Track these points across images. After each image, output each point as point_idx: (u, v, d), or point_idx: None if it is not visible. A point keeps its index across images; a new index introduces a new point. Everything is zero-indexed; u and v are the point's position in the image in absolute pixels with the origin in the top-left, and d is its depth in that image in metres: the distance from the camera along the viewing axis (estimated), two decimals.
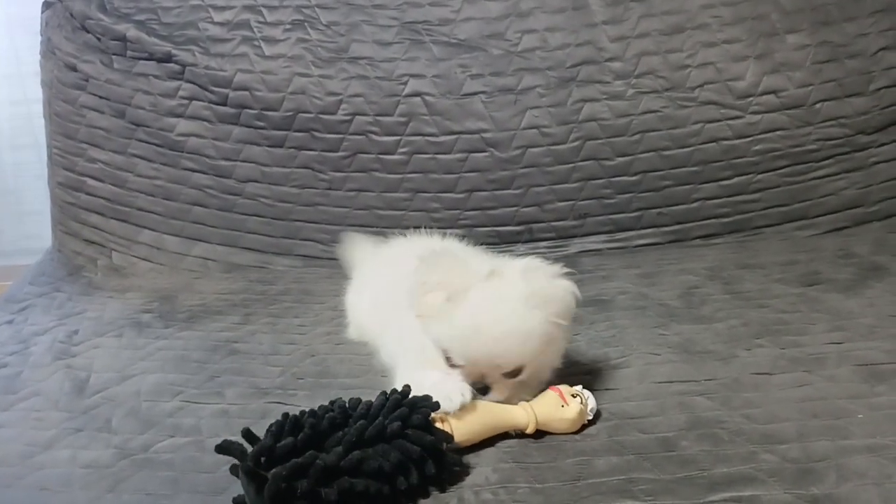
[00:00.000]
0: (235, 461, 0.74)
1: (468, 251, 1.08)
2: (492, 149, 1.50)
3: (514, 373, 0.86)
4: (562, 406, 0.86)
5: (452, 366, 0.87)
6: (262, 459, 0.73)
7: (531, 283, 0.87)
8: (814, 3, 1.48)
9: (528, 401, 0.88)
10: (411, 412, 0.80)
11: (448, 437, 0.81)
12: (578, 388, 0.90)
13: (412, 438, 0.78)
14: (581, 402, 0.87)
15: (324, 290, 1.37)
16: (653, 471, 0.79)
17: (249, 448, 0.76)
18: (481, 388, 0.86)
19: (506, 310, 0.84)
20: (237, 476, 0.74)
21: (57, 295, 1.41)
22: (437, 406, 0.83)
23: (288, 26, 1.54)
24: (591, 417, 0.88)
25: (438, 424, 0.82)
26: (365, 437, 0.77)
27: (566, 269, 0.90)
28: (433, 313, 0.87)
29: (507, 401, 0.87)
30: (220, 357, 1.14)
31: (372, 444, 0.77)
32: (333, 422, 0.79)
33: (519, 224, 1.52)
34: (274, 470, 0.72)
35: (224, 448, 0.75)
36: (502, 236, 1.52)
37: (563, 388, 0.89)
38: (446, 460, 0.80)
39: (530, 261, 0.92)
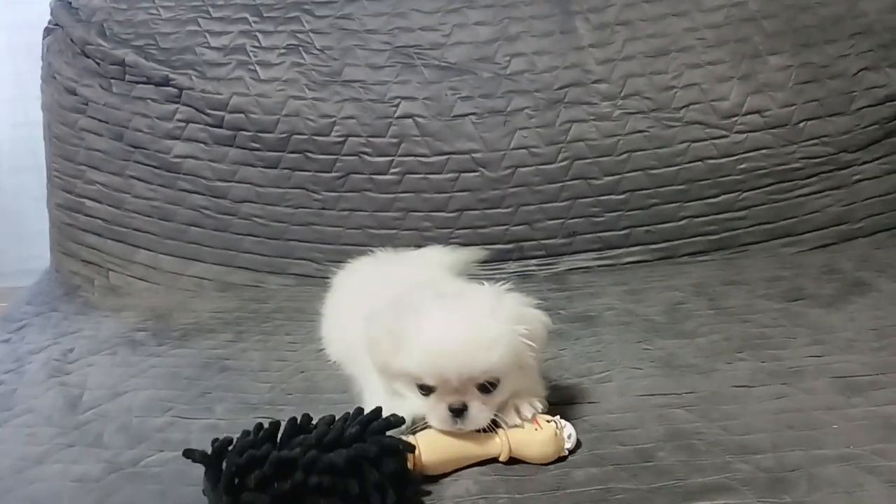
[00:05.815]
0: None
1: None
2: (482, 169, 1.52)
3: (489, 386, 0.85)
4: (535, 430, 0.86)
5: (425, 394, 0.86)
6: (216, 445, 0.79)
7: (499, 302, 0.87)
8: (795, 25, 1.51)
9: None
10: (372, 420, 0.82)
11: (409, 446, 0.82)
12: (557, 417, 0.89)
13: (371, 442, 0.80)
14: (556, 427, 0.86)
15: (316, 309, 1.37)
16: (630, 481, 0.81)
17: None
18: (458, 410, 0.84)
19: (467, 318, 0.85)
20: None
21: (53, 314, 1.43)
22: (402, 421, 0.83)
23: (282, 51, 1.58)
24: (570, 447, 0.87)
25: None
26: (324, 442, 0.79)
27: (536, 301, 0.90)
28: (389, 354, 0.86)
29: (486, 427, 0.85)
30: (211, 374, 1.16)
31: (331, 448, 0.79)
32: (294, 426, 0.82)
33: (509, 242, 1.54)
34: (227, 458, 0.76)
35: (190, 452, 0.80)
36: (493, 254, 1.54)
37: (539, 416, 0.88)
38: (407, 467, 0.81)
39: (498, 286, 0.91)
